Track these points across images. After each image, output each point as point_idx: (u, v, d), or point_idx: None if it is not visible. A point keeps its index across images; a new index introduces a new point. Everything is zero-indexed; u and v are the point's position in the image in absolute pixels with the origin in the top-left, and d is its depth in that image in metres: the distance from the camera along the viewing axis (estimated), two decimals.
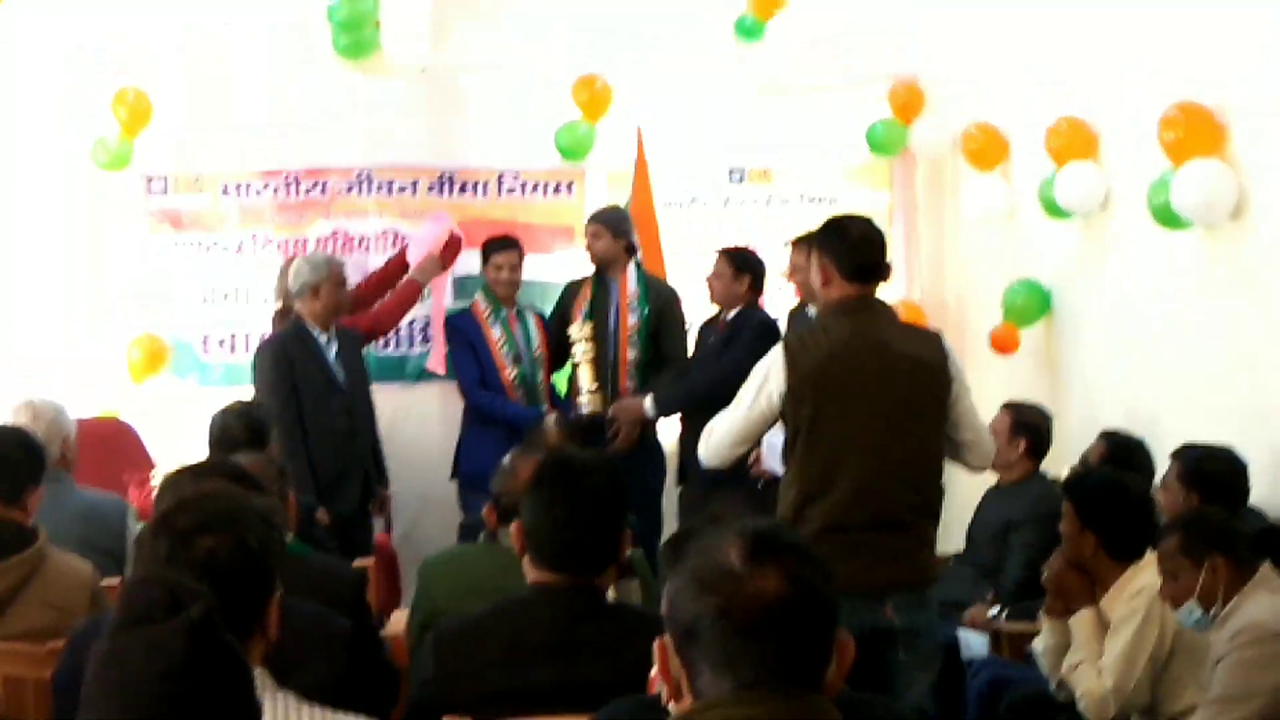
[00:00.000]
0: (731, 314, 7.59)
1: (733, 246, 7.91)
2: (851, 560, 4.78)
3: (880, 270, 5.04)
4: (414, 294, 8.12)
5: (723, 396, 6.99)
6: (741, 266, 7.62)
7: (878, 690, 4.97)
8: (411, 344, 8.74)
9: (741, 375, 6.91)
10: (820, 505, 4.94)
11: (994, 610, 6.31)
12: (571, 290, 8.25)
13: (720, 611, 2.07)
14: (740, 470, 7.28)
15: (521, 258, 8.01)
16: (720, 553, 2.11)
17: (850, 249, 5.00)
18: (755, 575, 2.08)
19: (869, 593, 4.88)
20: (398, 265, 8.30)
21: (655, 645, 2.18)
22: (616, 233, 7.98)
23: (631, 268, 8.00)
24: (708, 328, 7.86)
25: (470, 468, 7.63)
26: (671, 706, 2.16)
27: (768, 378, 5.02)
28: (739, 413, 5.14)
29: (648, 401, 7.61)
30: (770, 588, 2.07)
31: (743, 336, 7.36)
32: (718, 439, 5.20)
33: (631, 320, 7.93)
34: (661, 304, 8.01)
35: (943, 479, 5.21)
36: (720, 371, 7.21)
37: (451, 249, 8.25)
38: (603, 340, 7.89)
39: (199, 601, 2.03)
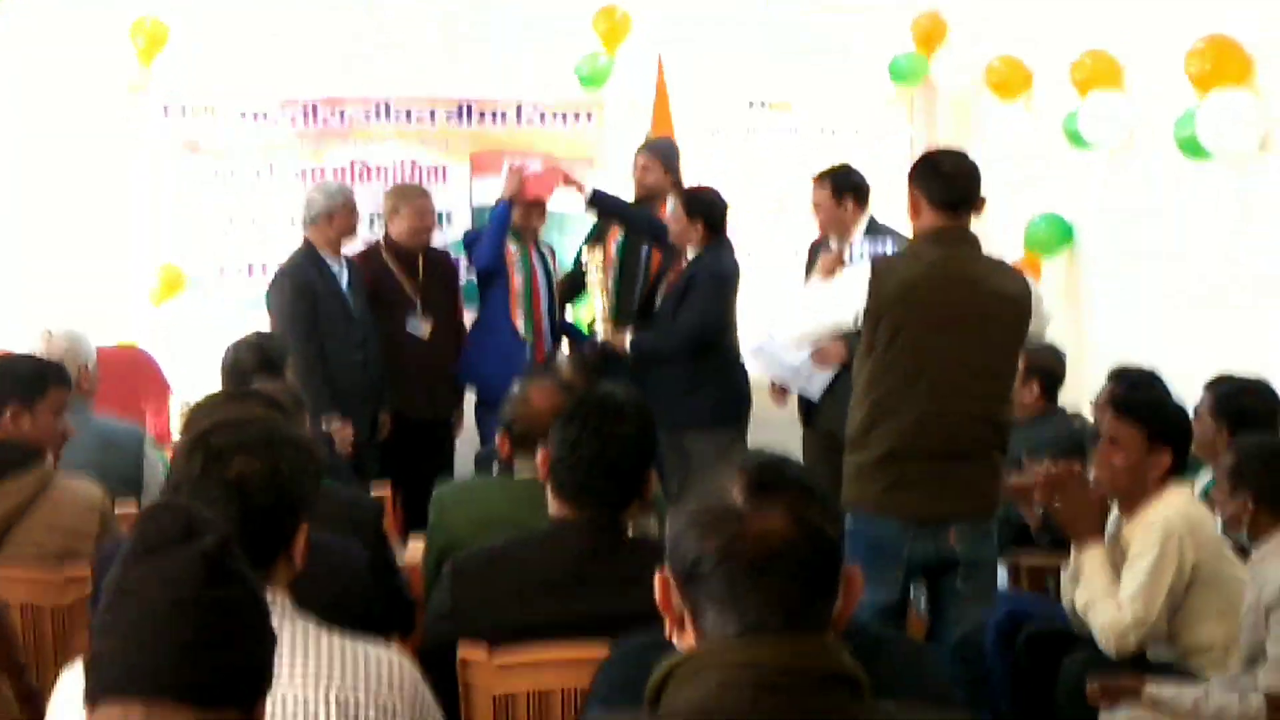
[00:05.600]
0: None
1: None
2: (918, 488, 4.93)
3: (971, 202, 5.03)
4: None
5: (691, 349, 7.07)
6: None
7: (932, 618, 5.18)
8: None
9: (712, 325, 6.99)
10: (887, 428, 4.97)
11: None
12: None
13: (723, 553, 2.02)
14: (719, 415, 7.30)
15: None
16: (722, 491, 2.07)
17: (941, 181, 5.01)
18: (757, 515, 2.03)
19: (933, 522, 4.96)
20: None
21: (656, 579, 2.15)
22: (668, 166, 7.88)
23: (671, 202, 7.74)
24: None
25: (475, 383, 7.76)
26: (675, 639, 2.14)
27: (850, 295, 5.02)
28: (809, 321, 5.30)
29: (627, 336, 7.53)
30: (774, 527, 2.02)
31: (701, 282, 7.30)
32: (779, 344, 5.29)
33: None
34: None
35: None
36: (689, 325, 7.25)
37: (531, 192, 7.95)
38: (634, 271, 7.82)
39: (213, 530, 2.01)
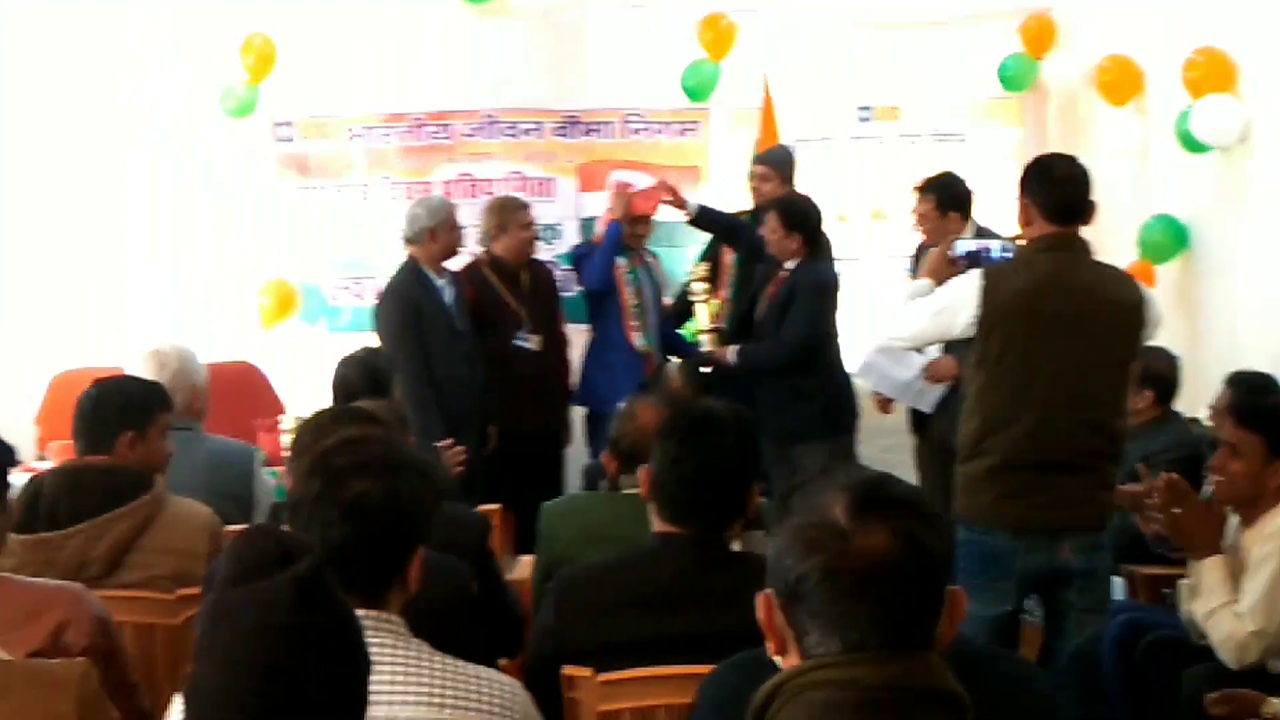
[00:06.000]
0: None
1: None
2: (1029, 499, 4.88)
3: (1083, 210, 4.97)
4: None
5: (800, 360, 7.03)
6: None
7: (1048, 631, 5.16)
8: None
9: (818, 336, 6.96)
10: (1000, 438, 4.93)
11: None
12: None
13: (826, 571, 2.00)
14: (827, 425, 7.23)
15: None
16: (825, 509, 2.04)
17: (1052, 189, 4.95)
18: (862, 532, 2.01)
19: (1046, 533, 4.91)
20: None
21: (758, 598, 2.12)
22: (785, 176, 7.84)
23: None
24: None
25: (596, 402, 7.67)
26: (777, 659, 2.11)
27: (962, 302, 4.96)
28: (923, 321, 5.21)
29: (731, 351, 7.51)
30: (878, 545, 2.00)
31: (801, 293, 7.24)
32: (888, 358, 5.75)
33: None
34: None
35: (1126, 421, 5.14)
36: (797, 336, 7.22)
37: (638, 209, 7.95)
38: (747, 281, 7.77)
39: (307, 555, 2.00)
